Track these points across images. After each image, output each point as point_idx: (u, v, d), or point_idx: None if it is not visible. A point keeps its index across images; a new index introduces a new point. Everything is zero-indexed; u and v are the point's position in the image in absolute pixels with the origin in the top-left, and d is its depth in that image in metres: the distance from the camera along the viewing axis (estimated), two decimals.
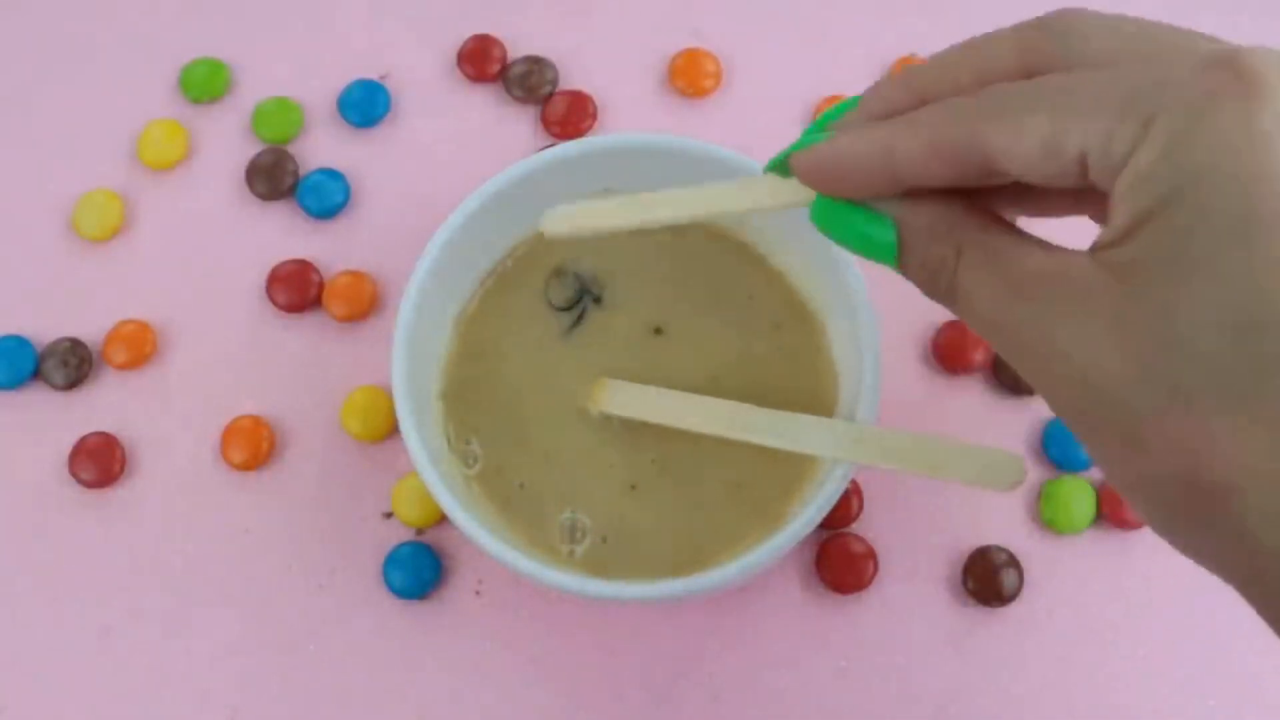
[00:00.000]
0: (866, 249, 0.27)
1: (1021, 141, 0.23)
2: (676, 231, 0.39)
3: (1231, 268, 0.21)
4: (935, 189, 0.25)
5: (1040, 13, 0.25)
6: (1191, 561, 0.24)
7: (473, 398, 0.38)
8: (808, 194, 0.27)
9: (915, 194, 0.26)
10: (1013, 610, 0.40)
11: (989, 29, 0.26)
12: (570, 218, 0.31)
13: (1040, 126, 0.23)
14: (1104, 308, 0.23)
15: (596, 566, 0.36)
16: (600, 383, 0.38)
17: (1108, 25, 0.24)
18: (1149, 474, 0.23)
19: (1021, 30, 0.25)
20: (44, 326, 0.43)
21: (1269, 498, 0.21)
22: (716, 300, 0.39)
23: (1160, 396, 0.22)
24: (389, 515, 0.41)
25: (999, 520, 0.40)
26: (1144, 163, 0.22)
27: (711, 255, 0.39)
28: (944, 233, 0.25)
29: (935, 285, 0.26)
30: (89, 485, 0.41)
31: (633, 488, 0.37)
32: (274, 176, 0.44)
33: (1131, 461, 0.23)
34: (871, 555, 0.39)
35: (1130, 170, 0.22)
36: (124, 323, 0.43)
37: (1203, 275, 0.22)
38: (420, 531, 0.40)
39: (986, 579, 0.39)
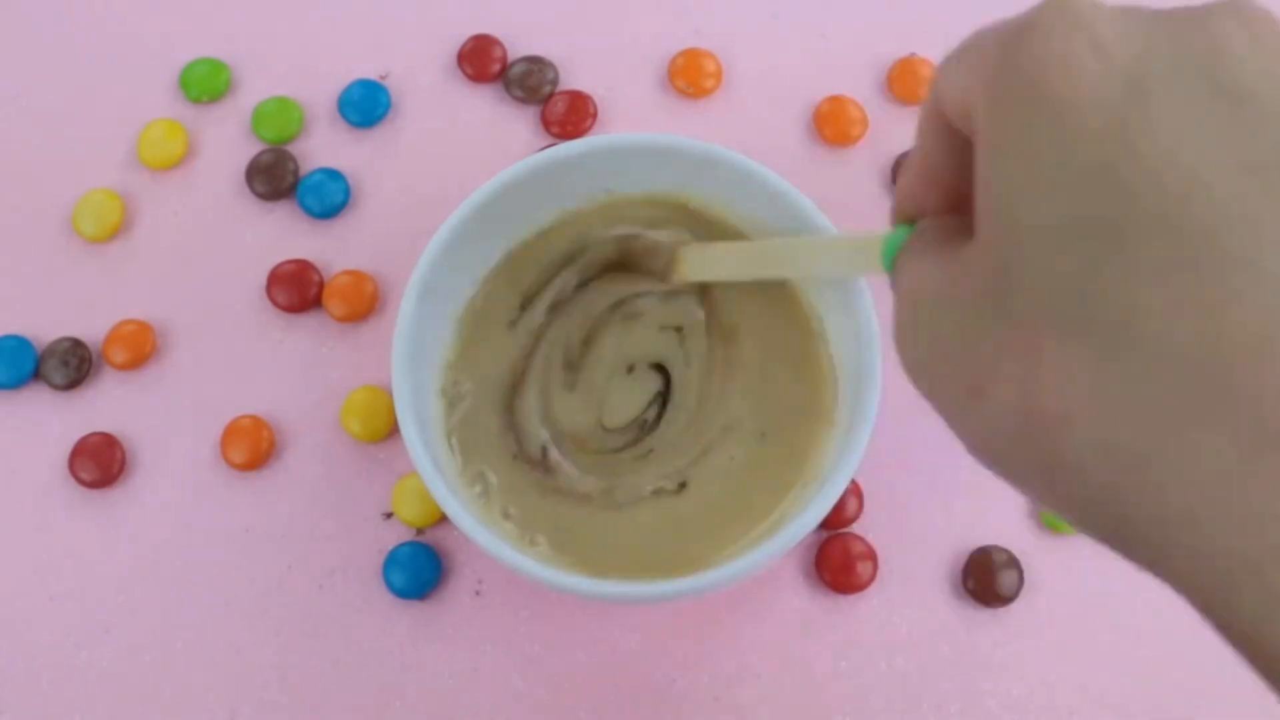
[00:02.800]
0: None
1: (948, 88, 0.24)
2: (676, 232, 0.39)
3: (1051, 157, 0.21)
4: None
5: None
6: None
7: None
8: None
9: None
10: (1013, 610, 0.40)
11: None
12: (709, 263, 0.36)
13: (954, 72, 0.24)
14: (955, 247, 0.24)
15: (595, 567, 0.36)
16: (678, 255, 0.38)
17: None
18: (989, 416, 0.22)
19: None
20: (44, 326, 0.43)
21: (1096, 428, 0.20)
22: None
23: (995, 321, 0.22)
24: (389, 515, 0.41)
25: (999, 520, 0.40)
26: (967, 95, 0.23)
27: None
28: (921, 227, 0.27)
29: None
30: (89, 485, 0.41)
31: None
32: (274, 176, 0.44)
33: (973, 404, 0.22)
34: (871, 555, 0.39)
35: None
36: (124, 323, 0.43)
37: (1033, 180, 0.21)
38: (420, 531, 0.40)
39: (986, 579, 0.39)
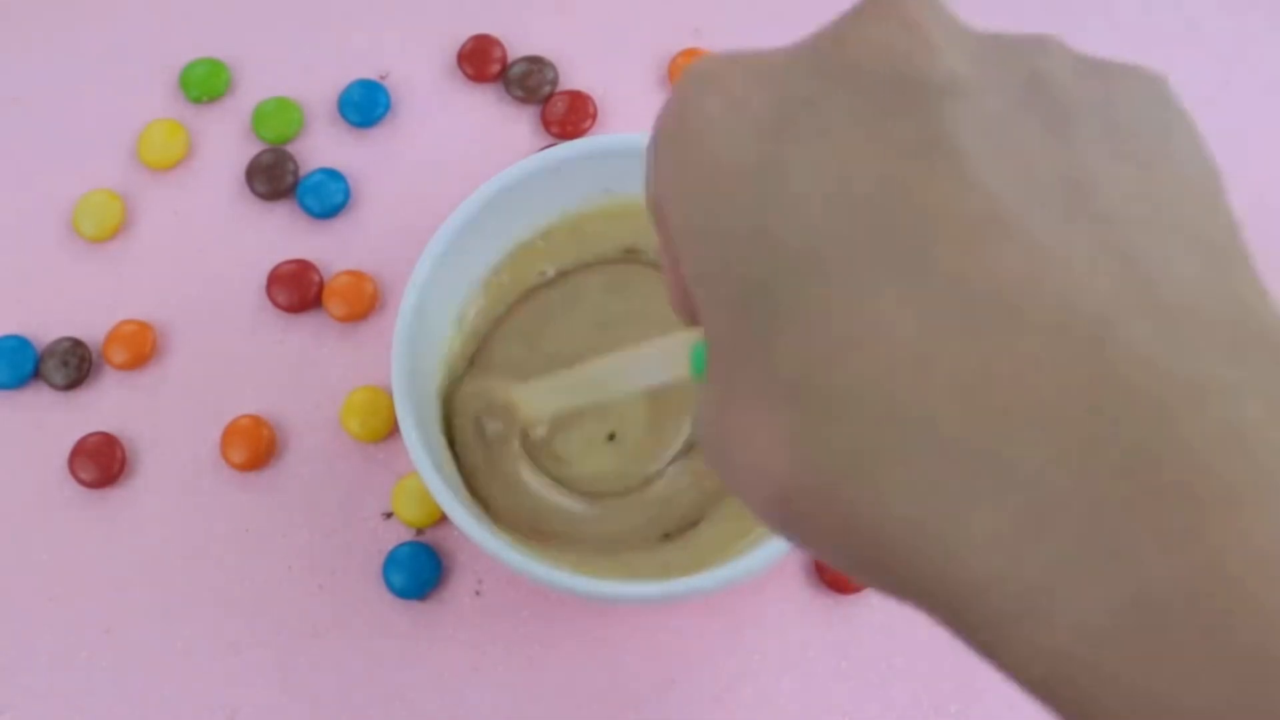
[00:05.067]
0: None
1: (649, 185, 0.23)
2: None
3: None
4: None
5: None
6: None
7: None
8: None
9: None
10: None
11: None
12: (542, 400, 0.35)
13: (647, 168, 0.23)
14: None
15: (594, 567, 0.36)
16: (511, 403, 0.36)
17: None
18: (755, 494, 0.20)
19: None
20: (44, 326, 0.43)
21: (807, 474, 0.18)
22: None
23: (730, 396, 0.19)
24: (389, 515, 0.41)
25: None
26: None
27: None
28: None
29: None
30: (89, 485, 0.41)
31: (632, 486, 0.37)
32: (274, 176, 0.44)
33: (738, 481, 0.20)
34: None
35: None
36: (124, 323, 0.43)
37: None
38: (420, 531, 0.40)
39: None
